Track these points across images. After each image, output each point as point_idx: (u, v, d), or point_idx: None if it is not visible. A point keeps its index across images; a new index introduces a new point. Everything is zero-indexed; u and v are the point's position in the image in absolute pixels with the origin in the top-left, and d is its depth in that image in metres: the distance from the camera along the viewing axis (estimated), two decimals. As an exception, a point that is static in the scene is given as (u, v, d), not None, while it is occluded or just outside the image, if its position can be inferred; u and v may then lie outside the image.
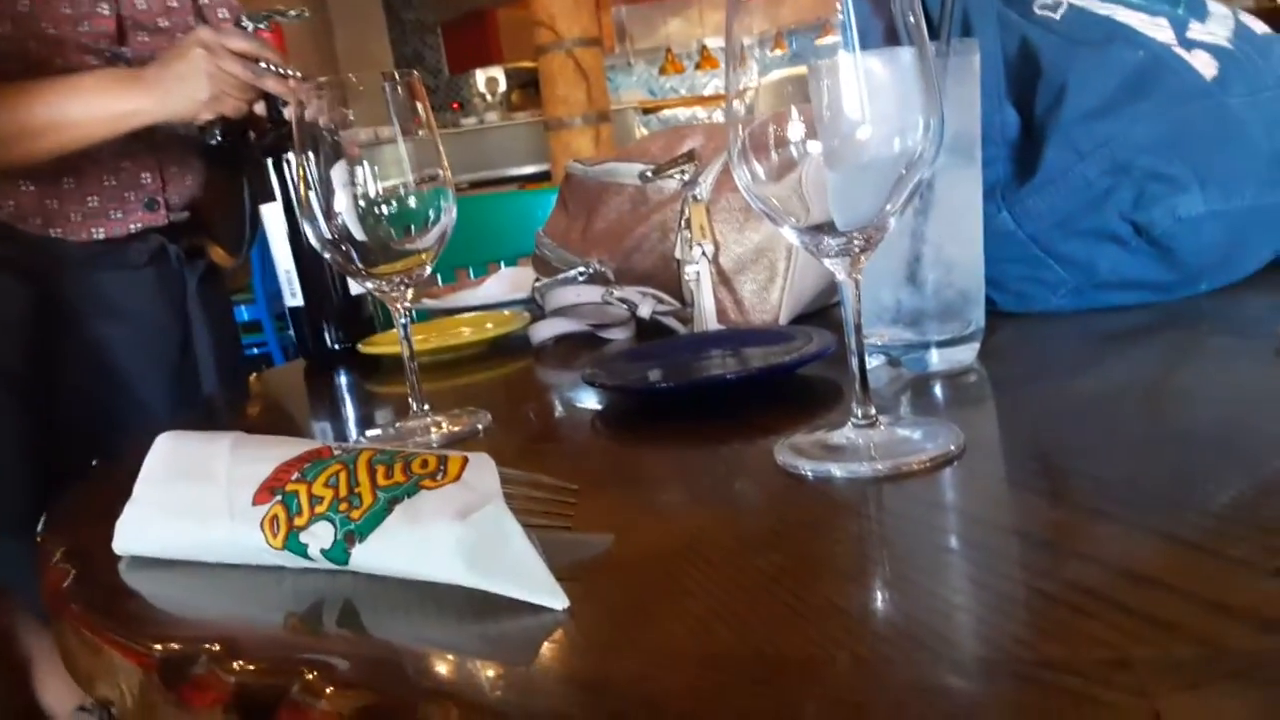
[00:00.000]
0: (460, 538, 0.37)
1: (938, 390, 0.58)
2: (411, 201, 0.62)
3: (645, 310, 0.79)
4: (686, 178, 0.80)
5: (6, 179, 0.94)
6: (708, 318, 0.77)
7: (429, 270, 0.63)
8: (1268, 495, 0.37)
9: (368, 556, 0.39)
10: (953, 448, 0.44)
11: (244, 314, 2.68)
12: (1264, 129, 0.65)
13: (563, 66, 6.13)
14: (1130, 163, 0.65)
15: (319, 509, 0.41)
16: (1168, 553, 0.33)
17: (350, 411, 0.86)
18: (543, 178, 6.52)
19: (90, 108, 0.89)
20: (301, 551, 0.41)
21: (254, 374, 1.25)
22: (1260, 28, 0.72)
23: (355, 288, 0.96)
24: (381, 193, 0.61)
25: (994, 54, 0.68)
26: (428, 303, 1.13)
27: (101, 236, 1.01)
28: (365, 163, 0.61)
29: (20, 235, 0.96)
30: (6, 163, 0.90)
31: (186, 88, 0.89)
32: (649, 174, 0.83)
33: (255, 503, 0.43)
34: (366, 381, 0.91)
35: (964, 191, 0.60)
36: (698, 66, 8.41)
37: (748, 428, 0.56)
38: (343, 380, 0.94)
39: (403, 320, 0.63)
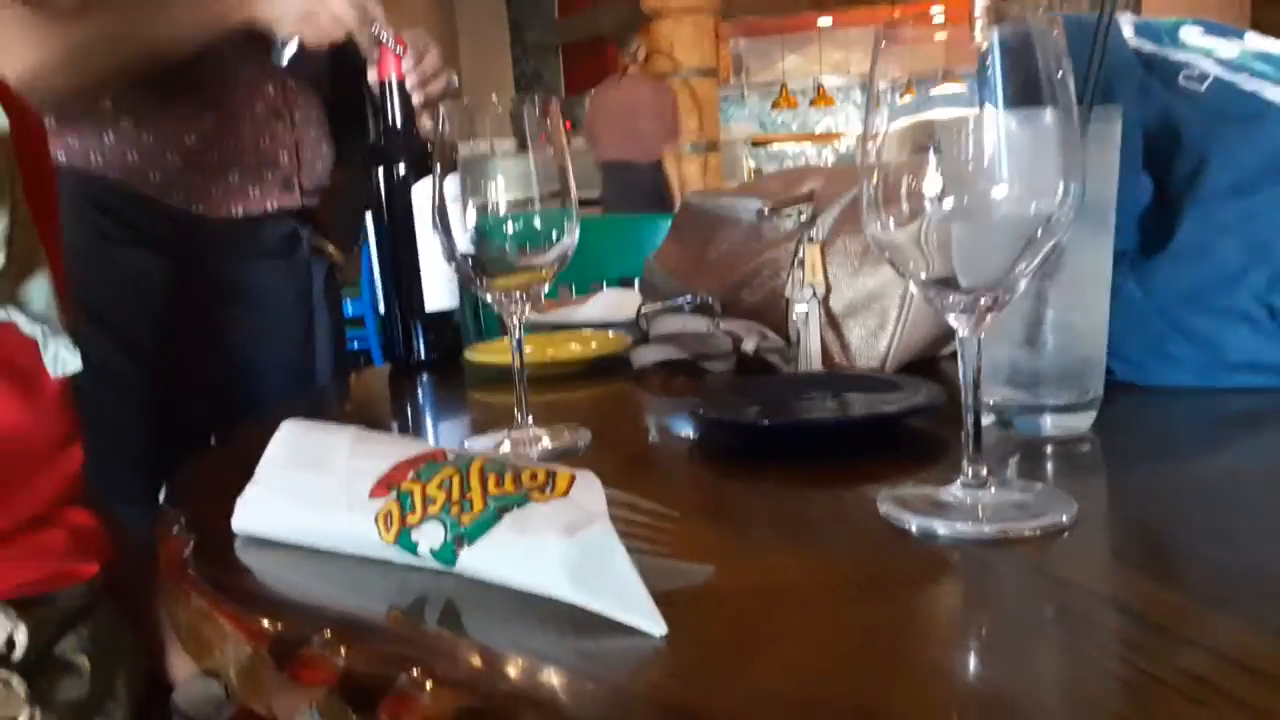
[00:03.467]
0: (566, 553, 0.38)
1: (1049, 456, 0.56)
2: (536, 220, 0.64)
3: (750, 345, 0.79)
4: (804, 218, 0.80)
5: (154, 150, 0.99)
6: (813, 359, 0.76)
7: (547, 287, 0.65)
8: (1404, 605, 0.35)
9: (475, 561, 0.40)
10: (1065, 518, 0.44)
11: (349, 308, 2.75)
12: None
13: (679, 95, 6.23)
14: (1269, 243, 0.63)
15: (431, 509, 0.43)
16: (1290, 651, 0.31)
17: (450, 417, 0.88)
18: (649, 203, 6.60)
19: None
20: (412, 549, 0.42)
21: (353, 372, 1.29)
22: None
23: (449, 299, 0.98)
24: (507, 208, 0.63)
25: (1134, 122, 0.67)
26: (531, 316, 1.16)
27: (240, 214, 1.06)
28: (498, 177, 0.63)
29: (163, 210, 1.01)
30: (99, 71, 0.91)
31: None
32: (766, 211, 0.83)
33: (372, 496, 0.45)
34: (458, 390, 0.94)
35: (1093, 258, 0.59)
36: (812, 103, 8.40)
37: (848, 474, 0.55)
38: (434, 386, 0.97)
39: (517, 334, 0.64)
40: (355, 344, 2.84)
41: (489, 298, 0.64)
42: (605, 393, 0.86)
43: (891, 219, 0.45)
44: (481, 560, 0.40)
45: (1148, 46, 0.69)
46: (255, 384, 1.12)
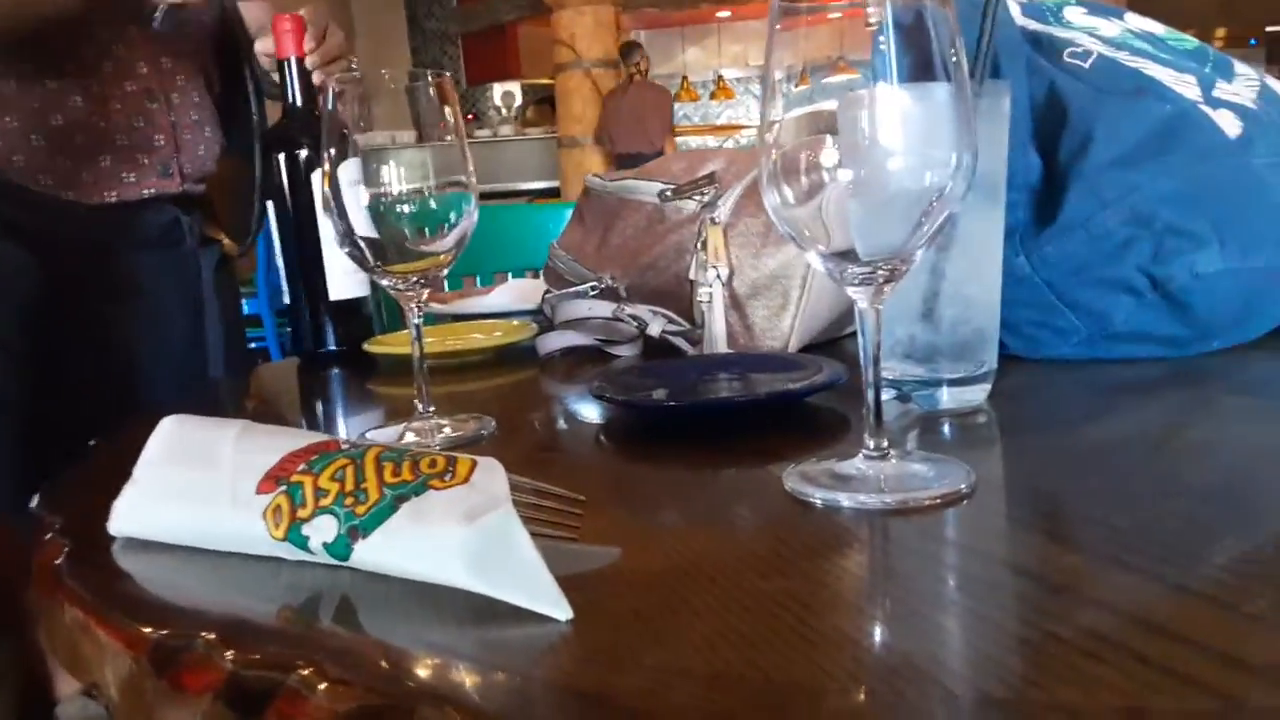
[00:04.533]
0: (466, 541, 0.36)
1: (947, 428, 0.57)
2: (432, 204, 0.62)
3: (655, 329, 0.78)
4: (706, 199, 0.80)
5: (17, 133, 0.93)
6: (717, 341, 0.76)
7: (446, 272, 0.63)
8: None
9: (370, 553, 0.39)
10: (963, 486, 0.44)
11: (246, 307, 2.66)
12: (1286, 191, 0.65)
13: (579, 86, 6.19)
14: (1151, 215, 0.65)
15: (324, 502, 0.41)
16: (1183, 604, 0.32)
17: (352, 410, 0.85)
18: (552, 194, 6.55)
19: None
20: (303, 544, 0.40)
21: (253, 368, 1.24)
22: (1286, 91, 0.72)
23: (355, 288, 0.95)
24: (403, 193, 0.61)
25: (1022, 98, 0.68)
26: (434, 307, 1.13)
27: (114, 199, 1.00)
28: (390, 161, 0.61)
29: (31, 197, 0.95)
30: None
31: None
32: (668, 193, 0.83)
33: (259, 491, 0.43)
34: (365, 382, 0.91)
35: (986, 231, 0.60)
36: (712, 96, 8.47)
37: (753, 453, 0.55)
38: (341, 379, 0.93)
39: (416, 320, 0.62)
40: (252, 344, 2.75)
41: (386, 283, 0.62)
42: (510, 382, 0.85)
43: (791, 193, 0.45)
44: (378, 552, 0.38)
45: (1034, 25, 0.71)
46: (141, 383, 1.07)
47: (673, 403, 0.61)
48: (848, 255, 0.46)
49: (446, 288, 1.55)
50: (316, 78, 0.95)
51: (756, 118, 0.47)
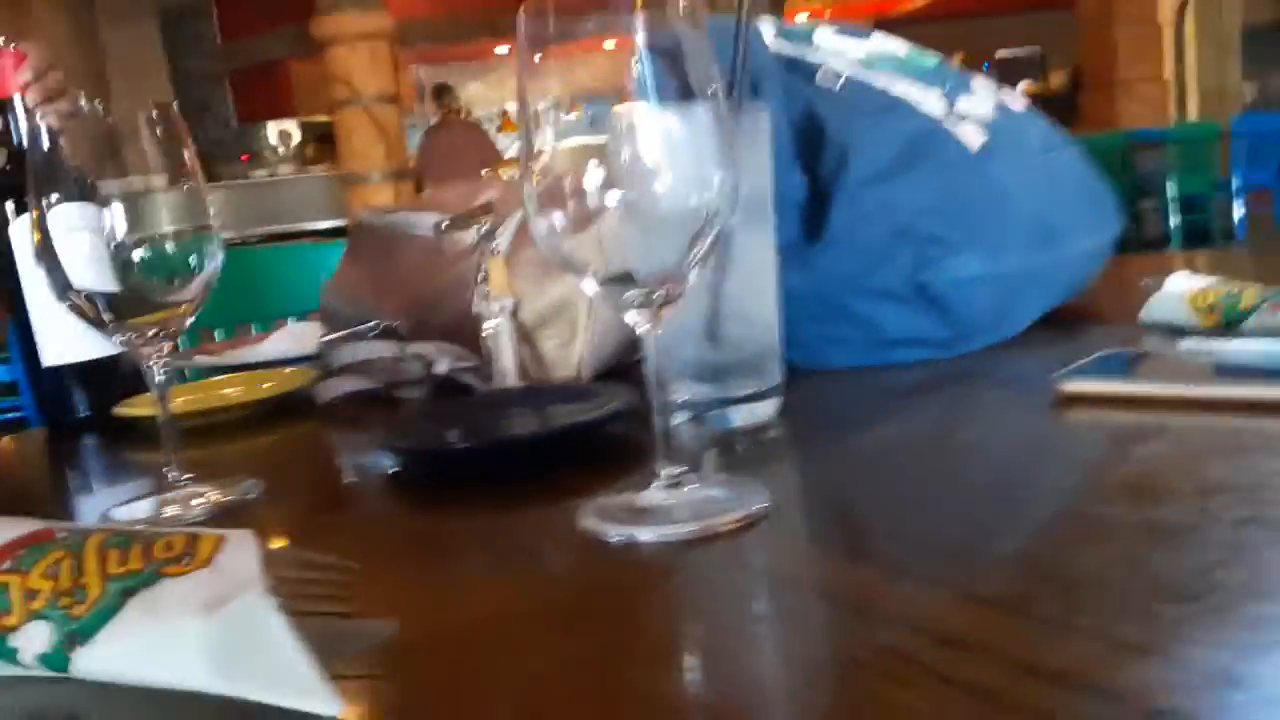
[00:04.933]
0: (204, 633, 0.31)
1: (740, 448, 0.57)
2: (169, 248, 0.55)
3: (442, 367, 0.74)
4: (484, 230, 0.77)
5: None
6: (507, 375, 0.73)
7: (189, 322, 0.56)
8: (1057, 548, 0.37)
9: (94, 662, 0.33)
10: (759, 507, 0.43)
11: (3, 373, 2.31)
12: (1026, 195, 0.70)
13: (360, 122, 6.00)
14: (909, 226, 0.68)
15: (34, 605, 0.34)
16: (976, 613, 0.32)
17: (102, 484, 0.76)
18: (340, 233, 6.30)
19: None
20: (12, 658, 0.34)
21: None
22: (1018, 104, 0.78)
23: (93, 348, 0.85)
24: (134, 240, 0.54)
25: (781, 119, 0.70)
26: (200, 360, 1.04)
27: None
28: (117, 206, 0.54)
29: None
30: None
31: None
32: (445, 225, 0.79)
33: (-43, 599, 0.36)
34: (123, 451, 0.81)
35: (759, 249, 0.60)
36: (499, 129, 8.45)
37: (552, 490, 0.53)
38: (95, 449, 0.83)
39: (159, 378, 0.55)
40: (10, 415, 2.43)
41: (118, 339, 0.55)
42: (288, 436, 0.78)
43: (560, 220, 0.43)
44: (103, 660, 0.33)
45: (788, 49, 0.73)
46: None
47: (459, 444, 0.57)
48: (623, 279, 0.44)
49: (217, 337, 1.44)
50: (42, 117, 0.85)
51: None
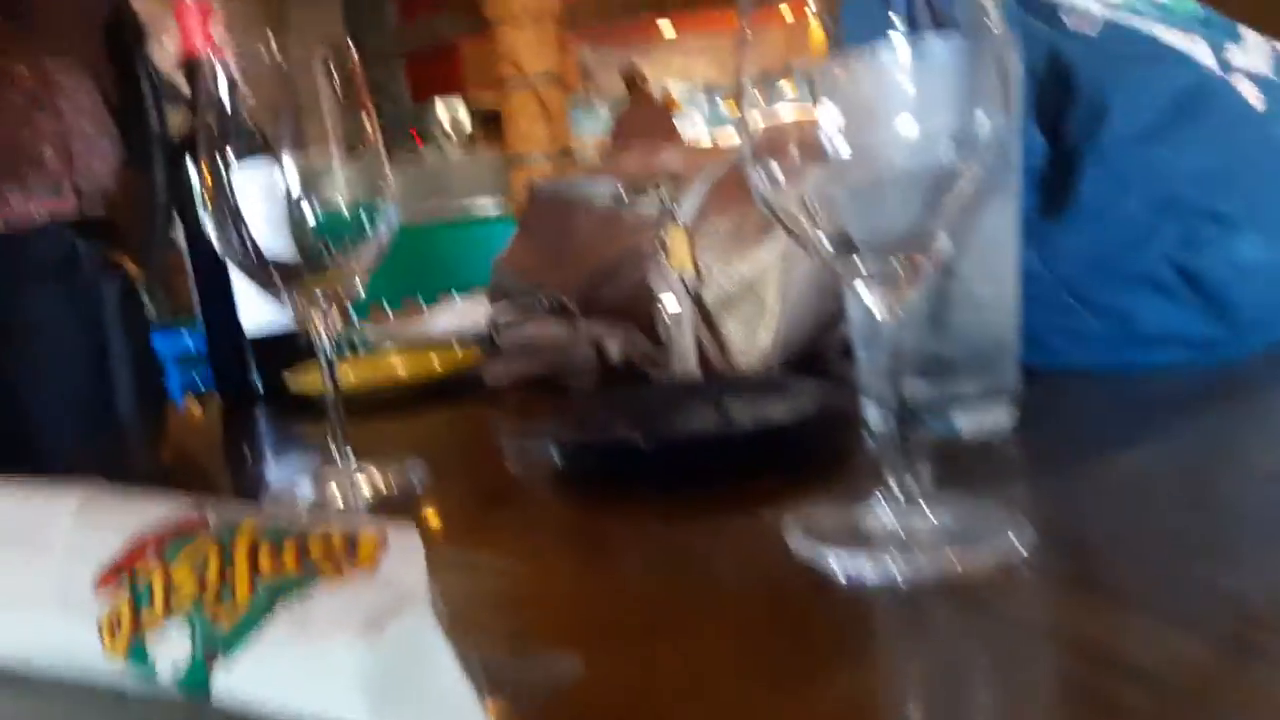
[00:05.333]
0: (362, 659, 0.26)
1: (969, 460, 0.48)
2: (344, 211, 0.51)
3: (615, 351, 0.69)
4: (666, 199, 0.70)
5: None
6: (686, 361, 0.67)
7: (360, 291, 0.52)
8: None
9: (234, 681, 0.28)
10: (1017, 542, 0.35)
11: (189, 343, 2.33)
12: (1327, 166, 0.57)
13: (526, 103, 6.09)
14: (1177, 197, 0.57)
15: (177, 604, 0.30)
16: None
17: (266, 458, 0.74)
18: (503, 214, 6.43)
19: None
20: (147, 667, 0.30)
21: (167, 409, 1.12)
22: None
23: (279, 315, 0.84)
24: (311, 200, 0.51)
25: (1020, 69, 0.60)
26: (370, 331, 1.02)
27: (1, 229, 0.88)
28: (295, 164, 0.50)
29: None
30: None
31: None
32: (623, 193, 0.73)
33: (99, 586, 0.32)
34: (293, 423, 0.80)
35: (998, 221, 0.51)
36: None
37: (741, 498, 0.46)
38: (264, 421, 0.82)
39: (326, 349, 0.52)
40: (201, 385, 2.50)
41: (288, 305, 0.51)
42: (453, 417, 0.74)
43: (778, 173, 0.36)
44: (246, 680, 0.28)
45: (1028, -15, 0.63)
46: (37, 433, 0.94)
47: (640, 443, 0.51)
48: (849, 245, 0.37)
49: (388, 310, 1.44)
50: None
51: (705, 130, 0.39)
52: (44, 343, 0.95)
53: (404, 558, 0.30)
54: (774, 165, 0.36)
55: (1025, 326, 0.57)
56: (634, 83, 6.57)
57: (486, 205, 6.74)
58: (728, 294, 0.67)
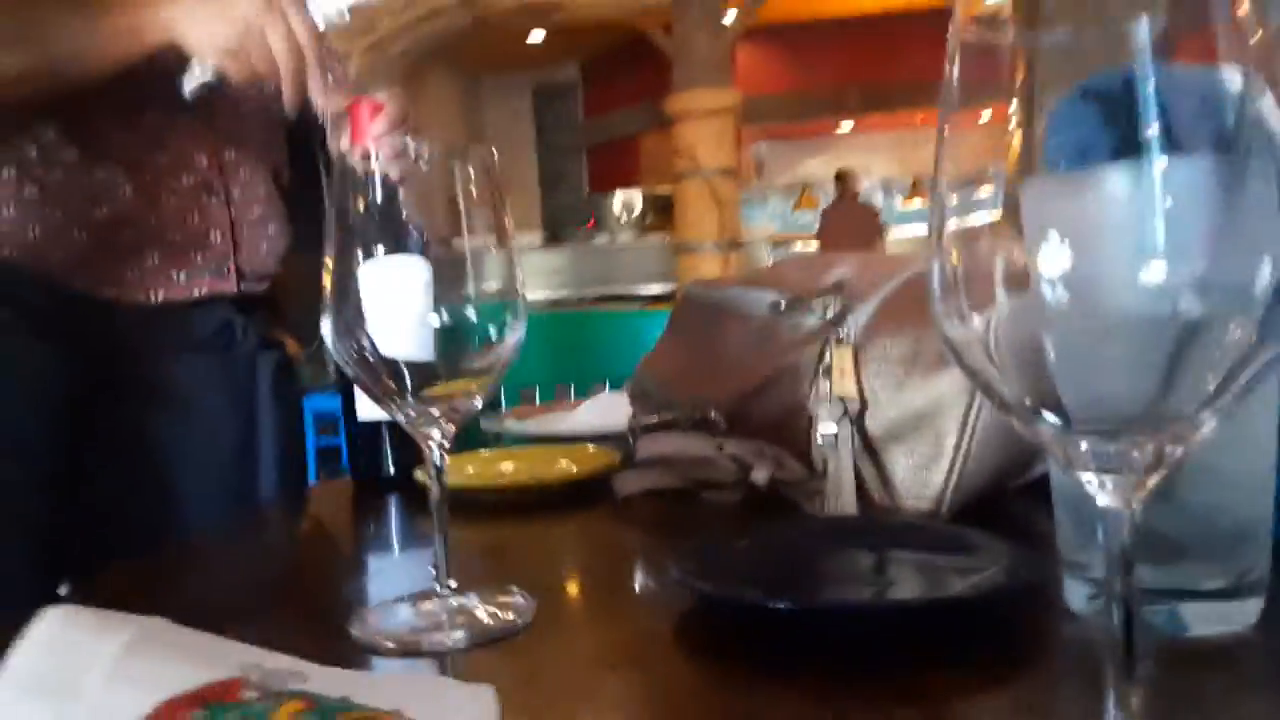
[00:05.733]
0: None
1: (1196, 669, 0.37)
2: (470, 314, 0.47)
3: (762, 475, 0.61)
4: (832, 313, 0.63)
5: (59, 226, 0.84)
6: (844, 495, 0.58)
7: (479, 403, 0.47)
8: None
9: None
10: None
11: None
12: None
13: (698, 193, 6.17)
14: None
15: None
16: None
17: (381, 558, 0.70)
18: (669, 299, 6.50)
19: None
20: None
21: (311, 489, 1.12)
22: None
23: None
24: (455, 300, 0.47)
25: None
26: (510, 425, 0.98)
27: (159, 300, 0.90)
28: (436, 264, 0.47)
29: (64, 293, 0.86)
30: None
31: (214, 11, 0.75)
32: (784, 304, 0.66)
33: (123, 753, 0.27)
34: (417, 515, 0.76)
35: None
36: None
37: (901, 680, 0.37)
38: (396, 509, 0.79)
39: (436, 463, 0.47)
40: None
41: (401, 416, 0.47)
42: (580, 529, 0.68)
43: (964, 306, 0.28)
44: None
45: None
46: (181, 502, 0.94)
47: (784, 604, 0.43)
48: (1057, 413, 0.28)
49: (538, 400, 1.42)
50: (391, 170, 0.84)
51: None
52: (195, 412, 0.96)
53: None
54: (965, 310, 0.28)
55: None
56: (844, 180, 6.80)
57: (654, 290, 6.84)
58: (896, 426, 0.58)
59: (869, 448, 0.59)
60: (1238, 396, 0.27)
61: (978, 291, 0.29)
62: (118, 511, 0.90)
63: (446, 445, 0.47)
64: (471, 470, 0.80)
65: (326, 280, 0.47)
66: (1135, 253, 0.27)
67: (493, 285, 0.48)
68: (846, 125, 8.62)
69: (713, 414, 0.68)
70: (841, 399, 0.59)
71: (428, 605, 0.46)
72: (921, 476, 0.57)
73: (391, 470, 0.82)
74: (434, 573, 0.47)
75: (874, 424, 0.59)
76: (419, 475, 0.77)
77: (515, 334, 0.47)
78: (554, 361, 1.56)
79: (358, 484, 0.84)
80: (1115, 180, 0.28)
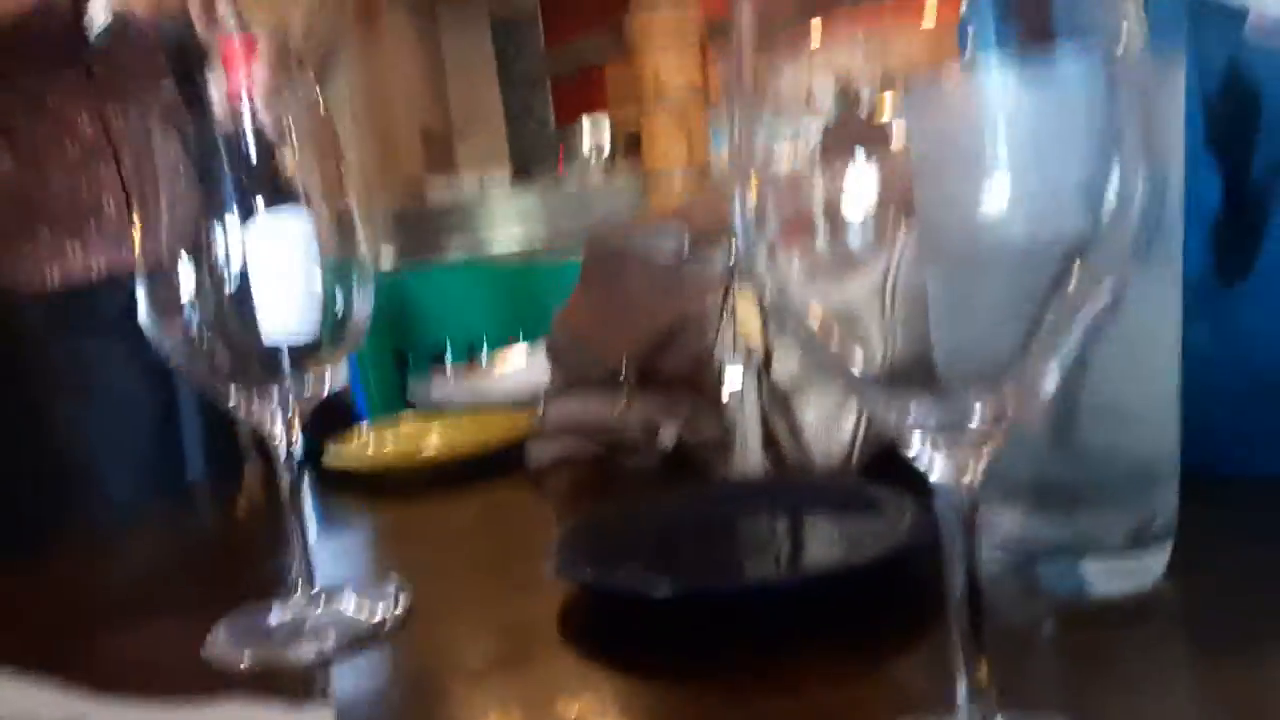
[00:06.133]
0: None
1: (1099, 634, 0.34)
2: (305, 282, 0.43)
3: (668, 438, 0.58)
4: (735, 257, 0.59)
5: None
6: (751, 453, 0.55)
7: (328, 379, 0.43)
8: None
9: None
10: None
11: None
12: None
13: (666, 122, 6.05)
14: None
15: None
16: None
17: (263, 559, 0.67)
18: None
19: None
20: None
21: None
22: None
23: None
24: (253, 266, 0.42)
25: (1188, 92, 0.46)
26: (436, 396, 0.95)
27: (58, 281, 0.85)
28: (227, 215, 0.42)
29: None
30: None
31: None
32: (688, 247, 0.62)
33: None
34: (330, 497, 0.72)
35: (1152, 301, 0.37)
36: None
37: (787, 676, 0.34)
38: (307, 494, 0.75)
39: (284, 458, 0.43)
40: None
41: (230, 403, 0.43)
42: (489, 503, 0.65)
43: (801, 267, 0.25)
44: None
45: (1199, -20, 0.48)
46: (95, 489, 0.91)
47: (657, 591, 0.39)
48: (911, 379, 0.25)
49: (449, 361, 1.38)
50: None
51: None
52: (107, 400, 0.92)
53: None
54: (793, 257, 0.24)
55: (1191, 425, 0.42)
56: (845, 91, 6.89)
57: (625, 226, 6.75)
58: (805, 375, 0.55)
59: (777, 400, 0.56)
60: (1092, 337, 0.23)
61: (829, 237, 0.25)
62: (22, 501, 0.87)
63: (295, 436, 0.43)
64: (392, 443, 0.77)
65: (174, 245, 0.42)
66: (1015, 160, 0.23)
67: (340, 247, 0.44)
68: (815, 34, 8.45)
69: (623, 370, 0.64)
70: (747, 348, 0.56)
71: (290, 614, 0.43)
72: (831, 428, 0.54)
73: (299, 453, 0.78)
74: (297, 577, 0.44)
75: (780, 373, 0.55)
76: (328, 457, 0.73)
77: (362, 303, 0.43)
78: (508, 315, 1.51)
79: (268, 465, 0.81)
80: (987, 78, 0.24)
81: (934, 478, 0.25)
